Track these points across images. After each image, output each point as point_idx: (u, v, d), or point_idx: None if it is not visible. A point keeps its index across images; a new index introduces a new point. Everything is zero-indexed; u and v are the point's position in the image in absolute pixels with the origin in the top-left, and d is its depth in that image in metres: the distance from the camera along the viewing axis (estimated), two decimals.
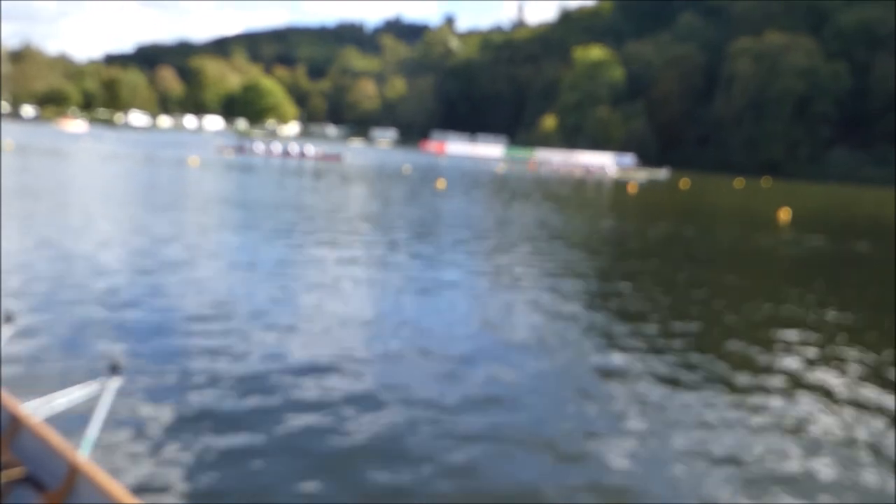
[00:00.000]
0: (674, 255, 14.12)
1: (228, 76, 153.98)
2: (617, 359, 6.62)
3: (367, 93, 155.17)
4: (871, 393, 6.05)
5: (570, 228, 17.22)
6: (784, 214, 24.49)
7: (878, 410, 5.64)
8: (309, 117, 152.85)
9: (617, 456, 4.50)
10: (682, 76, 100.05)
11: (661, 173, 48.89)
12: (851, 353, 7.30)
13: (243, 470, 4.02)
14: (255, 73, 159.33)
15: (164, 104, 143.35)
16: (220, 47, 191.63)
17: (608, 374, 6.17)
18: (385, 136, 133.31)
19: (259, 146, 50.22)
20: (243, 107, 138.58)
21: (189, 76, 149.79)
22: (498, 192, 28.34)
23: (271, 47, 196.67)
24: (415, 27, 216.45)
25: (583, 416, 5.16)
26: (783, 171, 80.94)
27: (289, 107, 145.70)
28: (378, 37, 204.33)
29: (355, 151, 65.76)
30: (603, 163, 51.38)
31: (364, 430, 4.63)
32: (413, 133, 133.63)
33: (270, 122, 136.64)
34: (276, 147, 50.16)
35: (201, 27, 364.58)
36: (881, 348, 7.63)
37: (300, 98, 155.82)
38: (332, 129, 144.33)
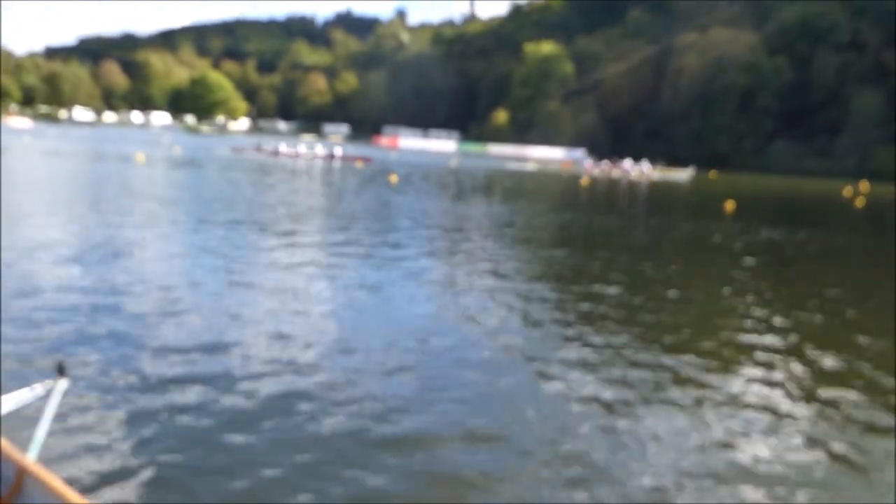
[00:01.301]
0: (630, 246, 14.40)
1: (175, 70, 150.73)
2: (570, 353, 6.75)
3: (318, 87, 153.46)
4: (808, 376, 6.29)
5: (517, 219, 17.39)
6: (730, 205, 25.15)
7: (819, 397, 5.87)
8: (259, 112, 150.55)
9: (561, 451, 4.61)
10: (631, 71, 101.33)
11: (686, 173, 48.30)
12: (789, 337, 7.56)
13: (190, 467, 4.02)
14: (204, 67, 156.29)
15: (109, 99, 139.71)
16: (167, 40, 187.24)
17: (559, 367, 6.29)
18: (337, 132, 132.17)
19: (282, 147, 47.85)
20: (191, 102, 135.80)
21: (134, 70, 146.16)
22: (450, 187, 28.44)
23: (219, 40, 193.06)
24: (366, 21, 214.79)
25: (521, 408, 5.26)
26: (729, 163, 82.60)
27: (238, 102, 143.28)
28: (329, 30, 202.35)
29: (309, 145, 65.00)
30: (641, 164, 50.10)
31: (312, 430, 4.66)
32: (365, 128, 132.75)
33: (220, 118, 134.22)
34: (301, 148, 47.80)
35: (146, 19, 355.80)
36: (817, 333, 7.92)
37: (250, 93, 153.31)
38: (282, 125, 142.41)
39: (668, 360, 6.70)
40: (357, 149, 58.56)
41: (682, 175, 46.56)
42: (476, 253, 12.17)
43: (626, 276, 10.99)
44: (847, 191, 42.28)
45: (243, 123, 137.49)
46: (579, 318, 8.11)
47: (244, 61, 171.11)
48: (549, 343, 7.15)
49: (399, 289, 9.29)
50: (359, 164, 39.80)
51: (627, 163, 49.90)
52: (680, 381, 6.15)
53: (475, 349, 6.82)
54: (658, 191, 36.60)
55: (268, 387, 5.40)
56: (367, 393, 5.42)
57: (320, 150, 47.27)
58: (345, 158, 46.33)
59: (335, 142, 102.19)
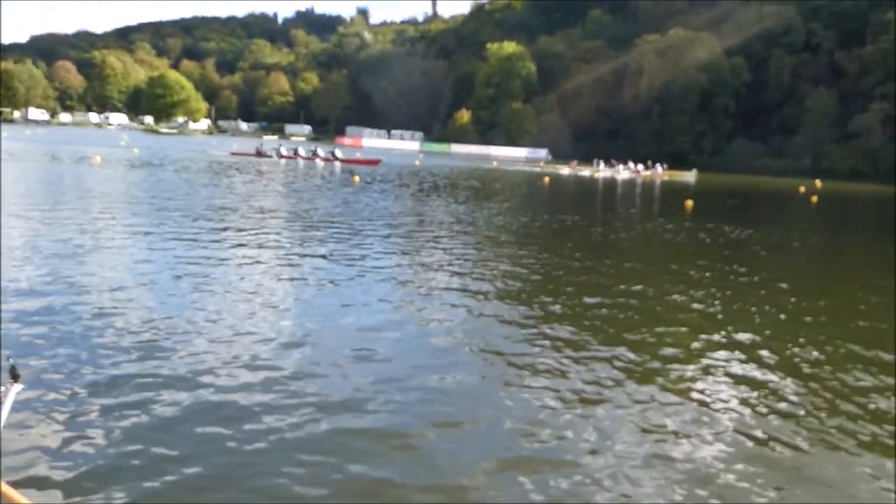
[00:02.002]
0: (589, 243, 14.51)
1: (133, 70, 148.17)
2: (524, 349, 6.74)
3: (279, 87, 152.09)
4: (760, 369, 6.38)
5: (477, 217, 17.41)
6: (689, 204, 25.55)
7: (770, 389, 5.96)
8: (220, 113, 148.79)
9: (517, 450, 4.60)
10: (592, 71, 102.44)
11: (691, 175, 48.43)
12: (743, 331, 7.66)
13: (142, 471, 3.95)
14: (162, 67, 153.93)
15: (64, 99, 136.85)
16: (123, 38, 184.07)
17: (514, 368, 6.26)
18: (300, 132, 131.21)
19: (283, 150, 45.98)
20: (150, 102, 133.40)
21: (90, 70, 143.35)
22: (414, 186, 28.39)
23: (178, 39, 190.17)
24: (328, 19, 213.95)
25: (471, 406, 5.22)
26: (688, 162, 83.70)
27: (198, 102, 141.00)
28: (290, 29, 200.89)
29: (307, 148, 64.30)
30: (655, 164, 50.19)
31: (265, 433, 4.58)
32: (328, 128, 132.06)
33: (179, 118, 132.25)
34: (301, 151, 46.08)
35: (101, 17, 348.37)
36: (770, 326, 8.05)
37: (210, 93, 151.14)
38: (244, 125, 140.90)
39: (621, 354, 6.75)
40: (345, 151, 56.28)
41: (690, 177, 47.29)
42: (436, 250, 12.15)
43: (584, 273, 11.05)
44: (802, 188, 43.22)
45: (204, 124, 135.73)
46: (537, 315, 8.11)
47: (203, 61, 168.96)
48: (503, 339, 7.13)
49: (357, 286, 9.22)
50: (355, 180, 37.71)
51: (633, 164, 50.45)
52: (633, 374, 6.20)
53: (432, 346, 6.82)
54: (629, 189, 37.01)
55: (223, 383, 5.34)
56: (321, 390, 5.38)
57: (321, 152, 45.36)
58: (349, 161, 43.81)
59: (297, 142, 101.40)
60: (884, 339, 7.91)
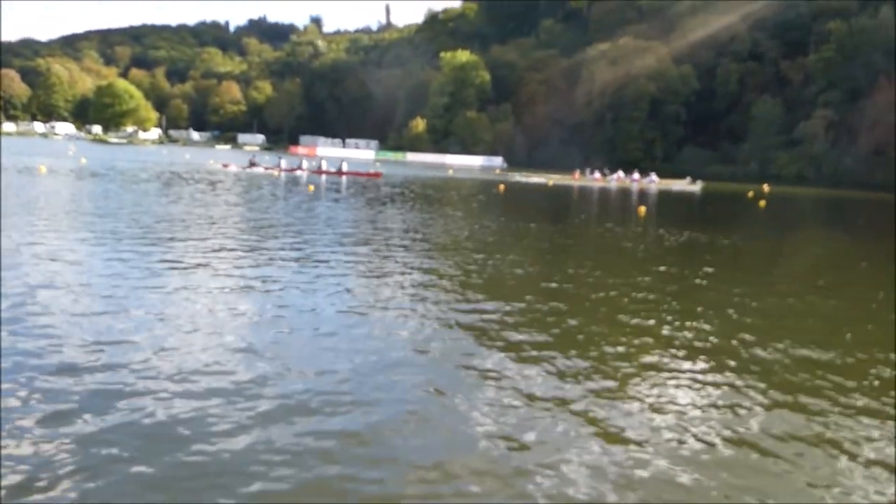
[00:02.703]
0: (542, 250, 14.55)
1: (80, 78, 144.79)
2: (483, 357, 6.70)
3: (231, 96, 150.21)
4: (710, 370, 6.42)
5: (433, 225, 17.35)
6: (642, 210, 25.87)
7: (721, 391, 5.99)
8: (170, 122, 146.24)
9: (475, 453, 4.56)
10: (546, 79, 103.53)
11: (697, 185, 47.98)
12: (691, 333, 7.74)
13: (98, 480, 3.90)
14: (110, 75, 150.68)
15: (8, 109, 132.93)
16: (70, 46, 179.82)
17: (471, 375, 6.24)
18: (253, 141, 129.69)
19: (275, 162, 44.31)
20: (98, 111, 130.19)
21: (35, 78, 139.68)
22: (373, 194, 28.21)
23: (126, 47, 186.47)
24: (281, 28, 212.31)
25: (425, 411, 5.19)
26: (641, 168, 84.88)
27: (148, 111, 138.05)
28: (242, 37, 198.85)
29: (221, 156, 63.43)
30: (651, 176, 49.63)
31: (222, 440, 4.49)
32: (282, 137, 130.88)
33: (129, 128, 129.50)
34: (304, 164, 44.09)
35: (46, 24, 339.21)
36: (720, 329, 8.14)
37: (160, 102, 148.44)
38: (196, 135, 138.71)
39: (572, 360, 6.75)
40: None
41: (696, 187, 47.14)
42: (393, 258, 12.04)
43: (537, 280, 11.06)
44: (751, 193, 44.14)
45: (154, 133, 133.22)
46: (494, 320, 8.08)
47: (153, 69, 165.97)
48: (460, 344, 7.11)
49: (312, 294, 9.08)
50: (310, 188, 36.14)
51: (637, 174, 50.37)
52: (589, 377, 6.21)
53: (387, 351, 6.77)
54: (587, 196, 37.32)
55: (178, 392, 5.27)
56: (274, 397, 5.31)
57: (324, 165, 43.26)
58: (348, 174, 41.89)
59: (251, 151, 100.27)
60: (826, 337, 8.09)
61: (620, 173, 51.00)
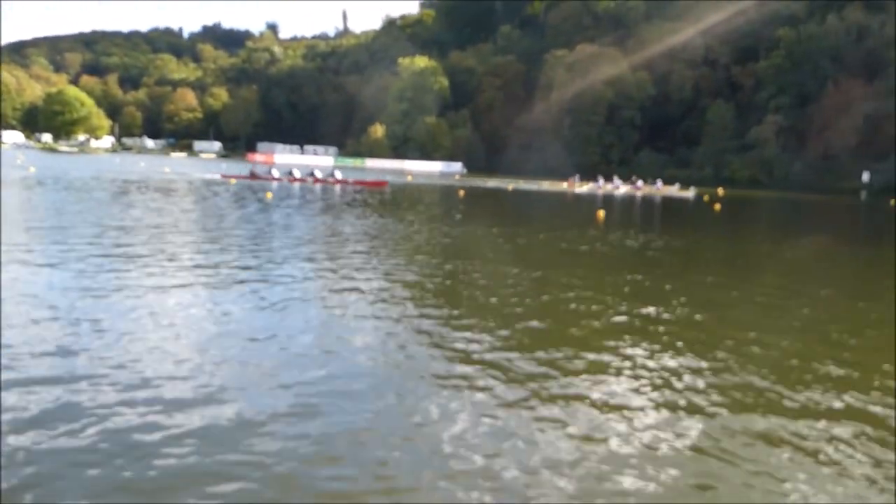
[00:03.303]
0: (502, 254, 14.48)
1: (28, 85, 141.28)
2: (451, 365, 6.60)
3: (186, 103, 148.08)
4: (665, 372, 6.39)
5: (392, 231, 17.20)
6: (601, 214, 26.06)
7: (674, 391, 5.96)
8: (124, 130, 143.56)
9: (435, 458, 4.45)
10: (504, 85, 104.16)
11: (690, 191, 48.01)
12: (648, 335, 7.73)
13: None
14: (60, 83, 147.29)
15: None
16: (17, 53, 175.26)
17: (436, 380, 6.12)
18: (209, 149, 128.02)
19: (277, 172, 42.57)
20: (48, 119, 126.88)
21: None
22: (328, 201, 27.93)
23: (77, 54, 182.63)
24: (236, 34, 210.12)
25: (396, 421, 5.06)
26: (598, 173, 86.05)
27: (100, 119, 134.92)
28: (196, 44, 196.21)
29: (177, 164, 62.29)
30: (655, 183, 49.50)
31: (176, 453, 4.33)
32: (239, 144, 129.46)
33: (80, 136, 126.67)
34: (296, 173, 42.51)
35: None
36: (675, 329, 8.15)
37: (113, 109, 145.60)
38: (150, 143, 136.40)
39: (532, 363, 6.74)
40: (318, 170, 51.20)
41: (689, 193, 47.39)
42: (350, 264, 11.87)
43: (496, 285, 10.98)
44: (706, 197, 44.88)
45: (107, 142, 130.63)
46: (456, 325, 8.00)
47: (105, 76, 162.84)
48: (416, 352, 7.04)
49: (268, 303, 8.89)
50: (268, 196, 33.73)
51: (640, 182, 50.41)
52: (552, 379, 6.20)
53: (344, 360, 6.69)
54: (552, 201, 37.48)
55: (133, 403, 5.18)
56: (230, 410, 5.21)
57: (338, 174, 42.17)
58: (349, 183, 41.08)
59: (207, 159, 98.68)
60: (779, 337, 8.15)
61: (617, 180, 51.54)
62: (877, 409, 5.84)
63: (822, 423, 5.48)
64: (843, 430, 5.35)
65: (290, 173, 42.67)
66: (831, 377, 6.73)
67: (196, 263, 11.71)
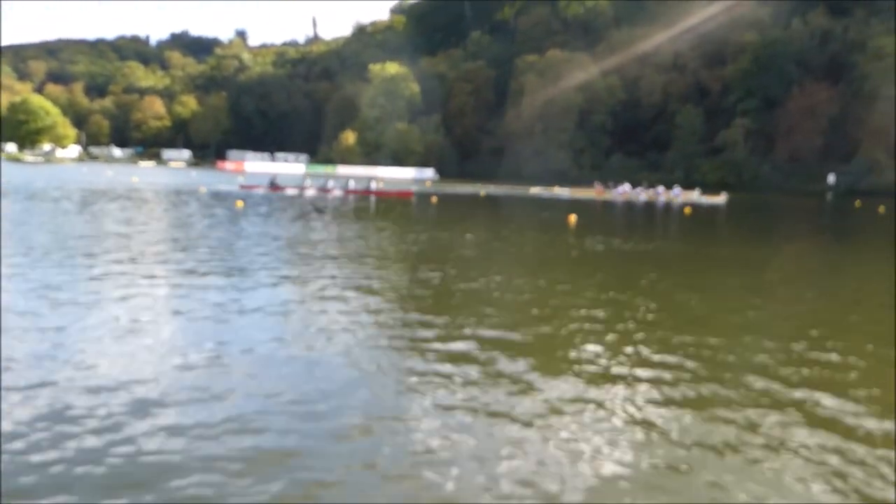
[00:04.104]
0: (475, 260, 14.35)
1: None
2: (420, 366, 6.64)
3: (155, 111, 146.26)
4: (636, 374, 6.31)
5: (361, 239, 17.00)
6: (573, 219, 26.08)
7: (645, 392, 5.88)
8: (91, 139, 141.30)
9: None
10: (475, 91, 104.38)
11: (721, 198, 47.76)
12: (620, 339, 7.67)
13: None
14: (24, 91, 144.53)
15: None
16: None
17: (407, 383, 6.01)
18: (179, 157, 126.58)
19: (307, 184, 40.56)
20: (12, 128, 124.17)
21: None
22: (300, 209, 27.62)
23: (41, 62, 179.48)
24: (204, 41, 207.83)
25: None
26: (570, 178, 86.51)
27: (66, 128, 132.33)
28: (164, 51, 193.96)
29: (146, 173, 61.48)
30: (674, 190, 49.22)
31: (148, 451, 4.18)
32: (209, 152, 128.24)
33: (46, 145, 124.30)
34: (330, 183, 40.92)
35: None
36: (646, 332, 8.08)
37: (79, 118, 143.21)
38: (117, 152, 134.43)
39: (506, 366, 6.84)
40: (305, 178, 48.71)
41: (721, 199, 47.22)
42: (319, 272, 11.68)
43: (470, 291, 10.85)
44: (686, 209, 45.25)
45: (73, 151, 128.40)
46: (427, 329, 8.03)
47: (71, 84, 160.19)
48: (389, 357, 7.10)
49: (240, 311, 8.81)
50: (238, 204, 29.11)
51: (661, 188, 50.25)
52: (517, 386, 6.26)
53: (317, 365, 6.75)
54: (517, 205, 37.48)
55: (105, 410, 5.23)
56: (202, 416, 5.23)
57: (352, 184, 40.90)
58: (379, 194, 39.58)
59: (176, 167, 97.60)
60: (747, 336, 8.23)
61: (627, 186, 51.56)
62: (855, 410, 5.85)
63: (794, 421, 5.50)
64: (818, 430, 5.35)
65: (314, 184, 40.69)
66: (804, 375, 6.78)
67: (161, 269, 11.43)
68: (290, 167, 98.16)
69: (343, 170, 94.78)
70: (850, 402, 6.10)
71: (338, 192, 39.27)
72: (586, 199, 47.04)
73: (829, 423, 5.58)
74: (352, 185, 40.80)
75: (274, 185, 39.99)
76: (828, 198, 55.17)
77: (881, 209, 43.34)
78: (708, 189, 65.42)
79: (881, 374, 7.08)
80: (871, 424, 5.57)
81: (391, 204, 33.93)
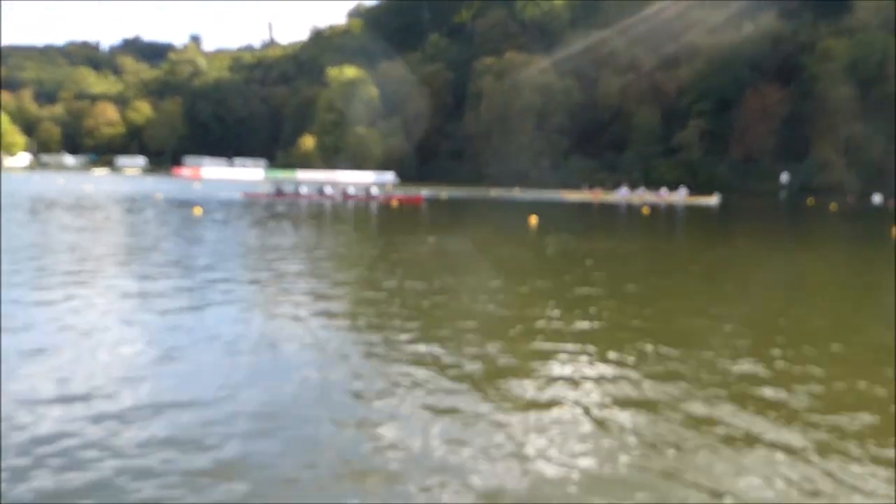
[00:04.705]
0: (433, 263, 14.20)
1: None
2: (377, 369, 6.66)
3: (107, 117, 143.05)
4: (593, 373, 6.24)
5: (319, 244, 16.76)
6: (533, 220, 26.12)
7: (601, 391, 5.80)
8: (41, 146, 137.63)
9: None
10: (434, 93, 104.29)
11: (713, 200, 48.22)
12: (579, 337, 7.63)
13: None
14: None
15: None
16: None
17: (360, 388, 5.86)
18: (133, 164, 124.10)
19: (304, 188, 41.10)
20: None
21: None
22: (259, 215, 27.18)
23: None
24: (157, 47, 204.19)
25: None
26: (530, 179, 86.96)
27: (15, 136, 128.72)
28: (116, 57, 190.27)
29: (100, 181, 60.15)
30: (679, 191, 49.61)
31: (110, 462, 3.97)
32: (164, 159, 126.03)
33: None
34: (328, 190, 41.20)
35: None
36: (606, 330, 8.04)
37: (28, 125, 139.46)
38: (69, 159, 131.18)
39: (467, 365, 6.91)
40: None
41: (713, 200, 47.73)
42: (280, 278, 11.42)
43: (429, 294, 10.71)
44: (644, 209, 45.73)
45: (23, 159, 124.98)
46: (386, 333, 7.95)
47: (19, 91, 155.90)
48: (349, 363, 7.03)
49: (200, 320, 8.69)
50: (196, 211, 28.55)
51: (663, 190, 50.46)
52: (477, 385, 6.32)
53: (280, 372, 6.69)
54: (468, 208, 37.42)
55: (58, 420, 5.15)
56: (166, 426, 5.20)
57: (351, 190, 40.98)
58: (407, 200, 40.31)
59: (131, 175, 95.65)
60: (703, 335, 8.32)
61: (628, 188, 51.92)
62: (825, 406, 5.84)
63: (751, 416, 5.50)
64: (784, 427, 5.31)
65: (321, 191, 41.06)
66: (766, 373, 6.81)
67: (119, 277, 11.05)
68: (248, 173, 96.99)
69: (302, 175, 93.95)
70: (810, 397, 6.18)
71: (335, 197, 40.00)
72: (580, 201, 47.50)
73: (791, 419, 5.62)
74: (351, 191, 41.27)
75: (280, 192, 40.66)
76: (781, 196, 56.49)
77: (833, 206, 44.39)
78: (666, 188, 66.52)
79: (838, 366, 7.15)
80: (839, 421, 5.55)
81: (404, 209, 33.90)
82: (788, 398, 6.13)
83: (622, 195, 50.85)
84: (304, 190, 41.04)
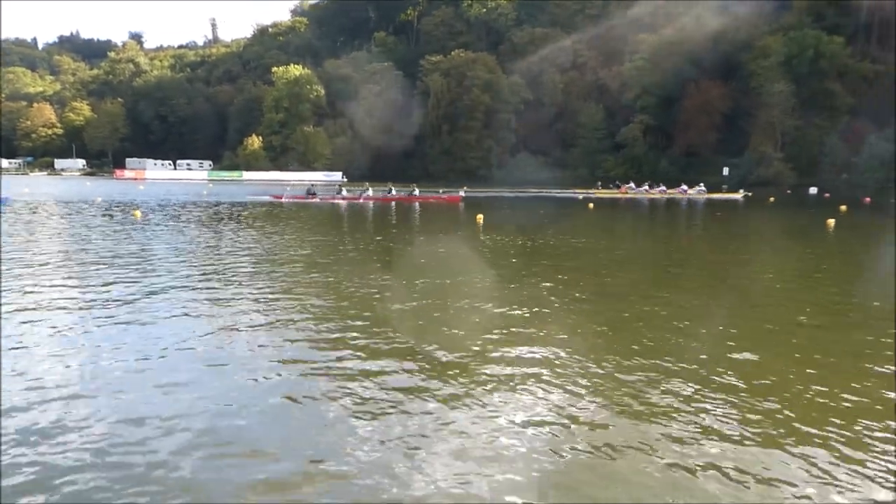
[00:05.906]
0: (381, 263, 14.22)
1: None
2: (333, 371, 6.54)
3: (44, 118, 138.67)
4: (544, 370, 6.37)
5: (262, 246, 16.61)
6: (480, 218, 26.31)
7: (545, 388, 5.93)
8: None
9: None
10: (382, 91, 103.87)
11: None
12: (527, 331, 7.75)
13: None
14: None
15: None
16: None
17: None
18: (73, 166, 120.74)
19: (370, 192, 41.81)
20: None
21: None
22: (200, 217, 26.75)
23: None
24: (96, 45, 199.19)
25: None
26: (478, 177, 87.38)
27: None
28: (52, 55, 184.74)
29: (38, 183, 58.33)
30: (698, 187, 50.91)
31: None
32: (106, 161, 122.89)
33: None
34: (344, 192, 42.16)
35: None
36: (557, 326, 8.19)
37: None
38: (4, 162, 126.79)
39: (419, 364, 7.00)
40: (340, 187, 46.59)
41: (738, 196, 48.75)
42: (227, 281, 11.31)
43: (380, 293, 10.74)
44: (581, 196, 46.40)
45: None
46: (340, 335, 8.00)
47: None
48: (300, 364, 7.10)
49: (146, 325, 8.57)
50: (136, 215, 27.63)
51: (684, 186, 52.42)
52: (431, 384, 6.37)
53: (228, 377, 6.68)
54: (445, 211, 37.50)
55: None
56: (108, 435, 5.18)
57: (369, 192, 41.69)
58: (421, 199, 41.36)
59: (70, 177, 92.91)
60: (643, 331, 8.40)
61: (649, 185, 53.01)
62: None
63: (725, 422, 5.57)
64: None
65: (364, 193, 41.83)
66: (697, 372, 6.91)
67: (66, 285, 10.78)
68: (192, 174, 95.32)
69: (249, 175, 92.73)
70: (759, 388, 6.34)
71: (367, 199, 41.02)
72: (605, 198, 48.58)
73: (756, 417, 5.79)
74: (393, 192, 42.61)
75: (310, 194, 41.56)
76: (722, 189, 57.73)
77: (771, 199, 45.70)
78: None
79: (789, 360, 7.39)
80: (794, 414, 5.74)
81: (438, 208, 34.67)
82: (729, 385, 6.32)
83: (645, 191, 53.04)
84: (344, 192, 42.40)
